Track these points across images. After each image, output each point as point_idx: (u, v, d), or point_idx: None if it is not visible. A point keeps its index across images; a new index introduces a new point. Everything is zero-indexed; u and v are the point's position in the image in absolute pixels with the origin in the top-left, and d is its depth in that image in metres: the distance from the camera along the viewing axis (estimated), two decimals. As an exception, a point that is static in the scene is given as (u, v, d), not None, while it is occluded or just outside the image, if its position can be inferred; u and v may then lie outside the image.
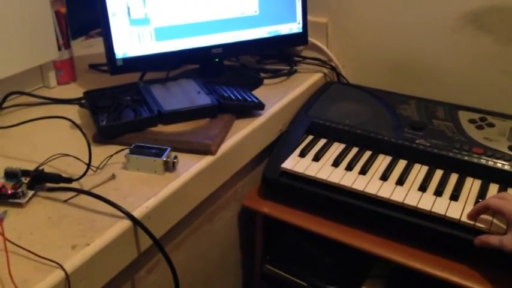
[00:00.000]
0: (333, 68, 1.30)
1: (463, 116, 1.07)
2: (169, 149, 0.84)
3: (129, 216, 0.71)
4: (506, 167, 0.92)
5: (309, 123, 1.09)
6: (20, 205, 0.73)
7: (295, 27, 1.18)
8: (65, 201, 0.74)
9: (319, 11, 1.29)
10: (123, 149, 0.85)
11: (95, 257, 0.66)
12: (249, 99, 1.02)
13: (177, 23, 1.04)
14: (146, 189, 0.78)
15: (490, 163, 0.93)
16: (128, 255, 0.74)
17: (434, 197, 0.90)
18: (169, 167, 0.82)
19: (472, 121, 1.06)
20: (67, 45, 1.13)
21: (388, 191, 0.91)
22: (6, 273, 0.60)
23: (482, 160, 0.94)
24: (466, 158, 0.95)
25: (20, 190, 0.73)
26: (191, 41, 1.06)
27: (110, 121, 0.90)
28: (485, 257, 0.82)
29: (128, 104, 0.96)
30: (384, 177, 0.94)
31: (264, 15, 1.13)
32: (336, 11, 1.28)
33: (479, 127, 1.03)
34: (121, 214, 0.71)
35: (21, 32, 1.00)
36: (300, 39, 1.21)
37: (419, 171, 0.97)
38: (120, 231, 0.70)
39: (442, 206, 0.87)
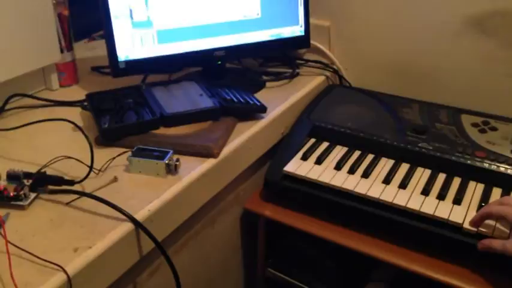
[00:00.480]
0: (335, 71, 1.30)
1: (466, 120, 1.07)
2: (171, 151, 0.83)
3: (131, 219, 0.71)
4: (510, 171, 0.92)
5: (311, 127, 1.09)
6: (22, 207, 0.73)
7: (298, 30, 1.18)
8: (67, 203, 0.74)
9: (322, 14, 1.29)
10: (125, 152, 0.85)
11: (96, 260, 0.66)
12: (251, 102, 1.02)
13: (179, 25, 1.04)
14: (148, 192, 0.78)
15: (493, 167, 0.93)
16: (129, 258, 0.73)
17: (437, 200, 0.89)
18: (172, 169, 0.82)
19: (474, 125, 1.05)
20: (69, 48, 1.13)
21: (391, 194, 0.91)
22: (8, 275, 0.60)
23: (485, 164, 0.94)
24: (468, 161, 0.95)
25: (22, 192, 0.73)
26: (193, 44, 1.06)
27: (112, 123, 0.90)
28: (488, 262, 0.82)
29: (130, 106, 0.96)
30: (387, 180, 0.94)
31: (266, 18, 1.13)
32: (339, 14, 1.28)
33: (482, 131, 1.03)
34: (123, 217, 0.71)
35: (23, 34, 1.00)
36: (302, 42, 1.21)
37: (421, 174, 0.97)
38: (122, 234, 0.70)
39: (444, 210, 0.87)
